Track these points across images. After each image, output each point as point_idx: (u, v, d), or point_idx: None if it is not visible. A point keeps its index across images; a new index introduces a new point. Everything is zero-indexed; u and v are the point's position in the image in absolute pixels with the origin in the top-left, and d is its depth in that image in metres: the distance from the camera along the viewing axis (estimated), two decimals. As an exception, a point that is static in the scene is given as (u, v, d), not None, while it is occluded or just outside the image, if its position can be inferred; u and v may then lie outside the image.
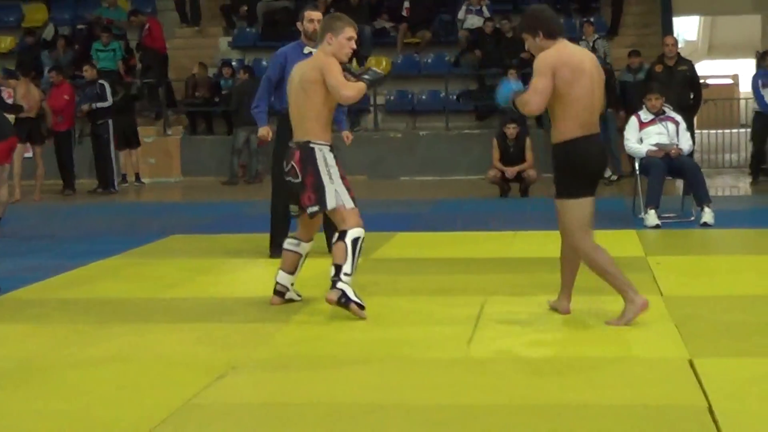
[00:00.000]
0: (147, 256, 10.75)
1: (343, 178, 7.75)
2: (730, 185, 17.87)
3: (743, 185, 17.64)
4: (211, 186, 19.70)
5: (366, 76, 7.87)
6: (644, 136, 12.48)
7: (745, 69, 29.57)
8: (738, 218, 12.93)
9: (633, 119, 12.67)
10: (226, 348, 6.80)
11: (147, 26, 22.36)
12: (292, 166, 7.74)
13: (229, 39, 24.22)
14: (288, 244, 8.14)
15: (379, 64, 22.59)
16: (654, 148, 12.31)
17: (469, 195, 17.04)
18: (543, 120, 17.04)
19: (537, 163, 16.40)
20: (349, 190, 7.78)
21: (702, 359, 6.12)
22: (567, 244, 7.32)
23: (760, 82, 17.05)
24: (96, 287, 9.09)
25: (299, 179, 7.72)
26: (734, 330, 6.91)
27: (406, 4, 23.10)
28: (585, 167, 7.08)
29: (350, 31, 7.79)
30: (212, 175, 20.44)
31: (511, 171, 16.04)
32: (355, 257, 7.63)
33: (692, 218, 12.13)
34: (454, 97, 21.95)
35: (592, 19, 21.79)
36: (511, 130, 16.09)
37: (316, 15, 10.08)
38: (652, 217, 11.87)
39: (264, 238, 10.47)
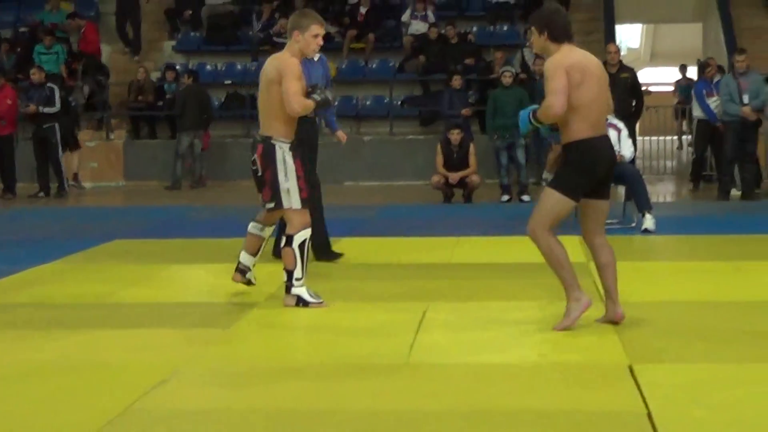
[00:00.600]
0: (90, 261, 10.68)
1: (299, 177, 7.91)
2: (672, 192, 18.02)
3: (684, 192, 17.80)
4: (154, 190, 19.60)
5: (315, 96, 8.02)
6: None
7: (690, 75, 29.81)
8: (679, 225, 13.05)
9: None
10: (168, 353, 6.77)
11: (83, 30, 22.26)
12: (255, 159, 8.01)
13: (173, 43, 24.13)
14: (252, 227, 8.39)
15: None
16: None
17: (413, 200, 17.06)
18: (487, 127, 17.08)
19: (480, 169, 16.46)
20: (302, 190, 7.94)
21: (642, 365, 6.17)
22: (595, 256, 7.38)
23: (704, 91, 17.16)
24: (38, 292, 9.01)
25: (260, 173, 8.00)
26: (674, 336, 6.97)
27: (362, 10, 23.06)
28: (595, 167, 7.10)
29: (317, 29, 7.99)
30: (156, 180, 20.33)
31: (454, 177, 16.08)
32: (304, 260, 7.88)
33: (633, 224, 12.22)
34: (399, 102, 21.98)
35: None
36: (455, 135, 16.13)
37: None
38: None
39: (204, 243, 10.44)
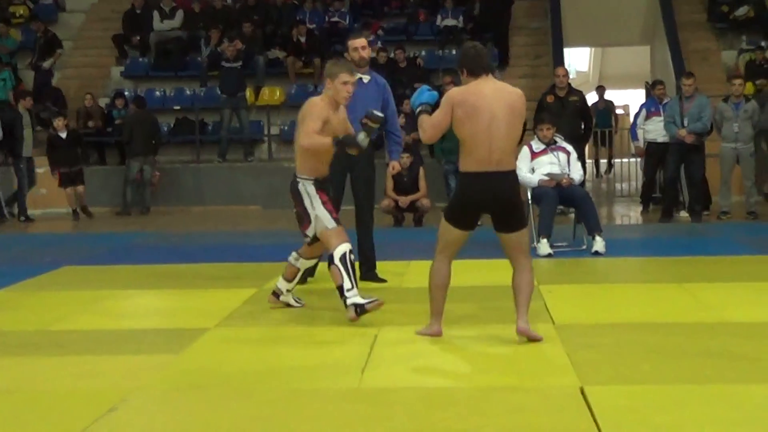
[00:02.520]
0: (38, 288, 10.57)
1: (325, 202, 8.45)
2: (621, 214, 18.11)
3: (634, 214, 17.89)
4: (104, 217, 19.47)
5: (340, 138, 8.35)
6: (536, 165, 12.61)
7: (635, 99, 30.02)
8: (628, 247, 13.11)
9: (525, 149, 12.78)
10: (117, 380, 6.72)
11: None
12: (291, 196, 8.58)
13: (122, 69, 24.05)
14: (291, 256, 8.91)
15: (273, 94, 22.59)
16: (546, 178, 12.44)
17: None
18: (435, 151, 17.11)
19: (430, 193, 16.47)
20: (331, 212, 8.44)
21: (592, 387, 6.19)
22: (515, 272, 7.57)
23: (651, 109, 17.27)
24: (-16, 320, 8.92)
25: (295, 210, 8.58)
26: (625, 357, 6.99)
27: (302, 39, 23.08)
28: (469, 201, 7.46)
29: (345, 77, 8.41)
30: (105, 206, 20.20)
31: (404, 200, 16.10)
32: (349, 271, 8.27)
33: (584, 247, 12.26)
34: (348, 126, 21.95)
35: (484, 50, 22.01)
36: (405, 159, 16.10)
37: (360, 42, 10.36)
38: (544, 246, 11.98)
39: (154, 269, 10.38)
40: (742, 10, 23.47)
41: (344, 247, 8.29)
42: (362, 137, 8.29)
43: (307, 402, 6.09)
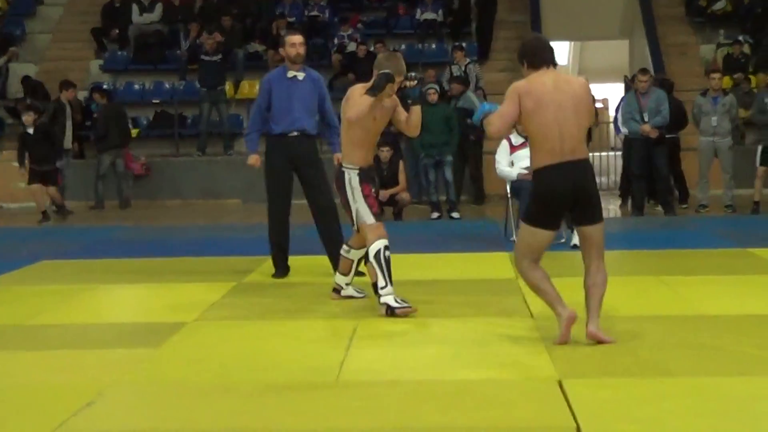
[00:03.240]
0: (15, 283, 10.54)
1: (367, 196, 8.50)
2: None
3: (613, 208, 17.91)
4: (82, 211, 19.41)
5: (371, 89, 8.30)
6: (515, 159, 12.60)
7: (614, 93, 30.07)
8: (607, 240, 13.02)
9: (504, 142, 12.78)
10: (95, 374, 6.69)
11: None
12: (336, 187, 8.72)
13: (101, 62, 23.98)
14: (342, 251, 9.08)
15: (252, 87, 22.55)
16: (525, 171, 12.40)
17: (343, 219, 17.01)
18: (414, 144, 17.07)
19: (411, 187, 16.47)
20: (371, 207, 8.51)
21: (571, 380, 6.20)
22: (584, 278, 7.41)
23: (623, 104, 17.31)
24: (-40, 314, 8.88)
25: (340, 200, 8.71)
26: (602, 350, 7.00)
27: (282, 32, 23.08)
28: (548, 195, 7.15)
29: (397, 77, 8.35)
30: (83, 200, 20.13)
31: (384, 194, 16.06)
32: (384, 269, 8.30)
33: (563, 240, 12.25)
34: (328, 120, 21.93)
35: (463, 44, 22.06)
36: (385, 153, 16.12)
37: (297, 39, 10.20)
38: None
39: (132, 263, 10.35)
40: (719, 5, 23.55)
41: (379, 244, 8.32)
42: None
43: (286, 396, 6.08)
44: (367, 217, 8.47)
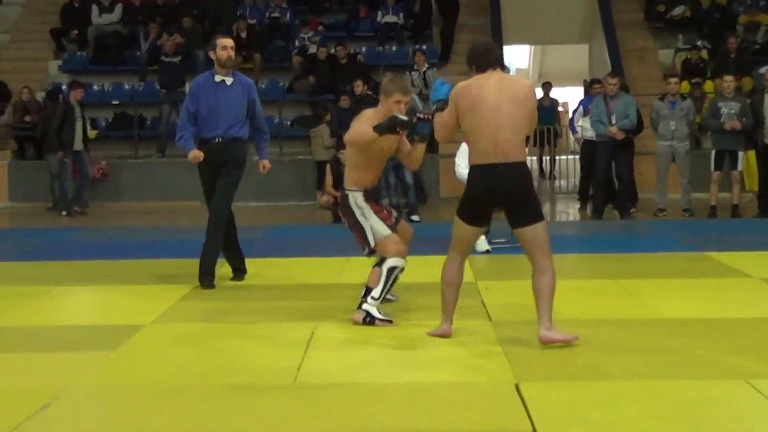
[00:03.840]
0: (-29, 284, 10.47)
1: (377, 211, 8.39)
2: (560, 211, 18.20)
3: (573, 211, 17.99)
4: (39, 212, 19.31)
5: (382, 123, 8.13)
6: (474, 162, 12.62)
7: (574, 96, 30.17)
8: (566, 243, 13.16)
9: (463, 145, 12.78)
10: (51, 377, 6.66)
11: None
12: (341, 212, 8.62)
13: (60, 63, 23.86)
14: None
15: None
16: (484, 175, 12.44)
17: (303, 221, 17.03)
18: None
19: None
20: (385, 220, 8.37)
21: (528, 383, 6.22)
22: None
23: (586, 107, 17.41)
24: None
25: (348, 226, 8.52)
26: (559, 354, 7.03)
27: (242, 34, 23.06)
28: (474, 195, 7.32)
29: (398, 96, 8.25)
30: (41, 201, 20.02)
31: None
32: (387, 285, 8.15)
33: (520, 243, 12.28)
34: (288, 122, 21.94)
35: (424, 47, 22.11)
36: (344, 155, 16.10)
37: (229, 42, 10.14)
38: (482, 243, 12.01)
39: (89, 265, 10.29)
40: (678, 10, 23.69)
41: (398, 262, 8.17)
42: (404, 114, 8.19)
43: (242, 398, 6.07)
44: (383, 229, 8.30)
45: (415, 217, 16.29)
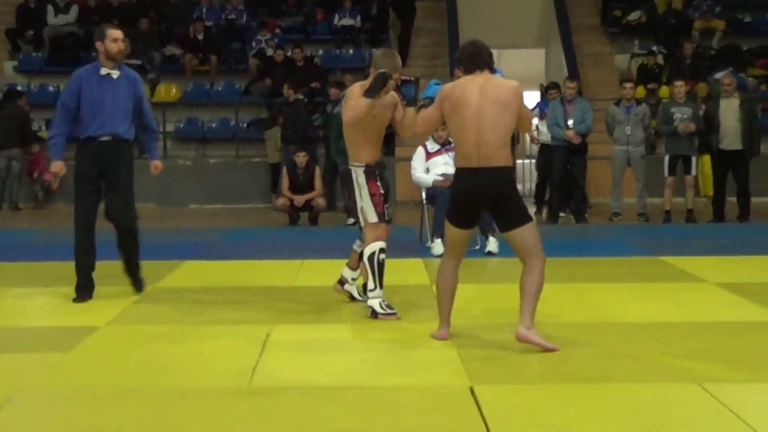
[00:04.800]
0: None
1: (373, 195, 8.44)
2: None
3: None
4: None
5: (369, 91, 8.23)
6: (431, 165, 12.66)
7: (531, 101, 30.25)
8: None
9: (420, 149, 12.84)
10: (3, 379, 6.61)
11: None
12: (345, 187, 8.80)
13: (15, 63, 23.70)
14: (354, 245, 9.01)
15: (169, 91, 22.44)
16: (440, 178, 12.48)
17: (259, 223, 17.00)
18: (331, 150, 17.07)
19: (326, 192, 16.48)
20: (377, 206, 8.43)
21: (482, 386, 6.23)
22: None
23: (542, 111, 17.50)
24: None
25: (349, 197, 8.78)
26: (515, 357, 7.05)
27: (199, 36, 23.01)
28: (457, 197, 7.37)
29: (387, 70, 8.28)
30: (-4, 203, 19.90)
31: (299, 199, 16.07)
32: (375, 271, 8.31)
33: (477, 247, 12.32)
34: (245, 125, 21.89)
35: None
36: (301, 158, 16.13)
37: (120, 34, 9.27)
38: (438, 246, 12.00)
39: (43, 266, 10.22)
40: (634, 15, 23.83)
41: (375, 246, 8.30)
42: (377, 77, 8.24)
43: (197, 401, 6.05)
44: (371, 215, 8.42)
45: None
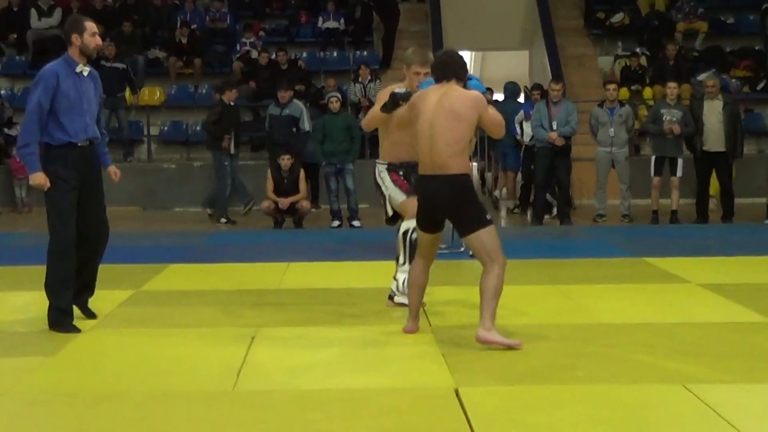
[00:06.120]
0: None
1: (395, 180, 8.79)
2: (501, 217, 18.27)
3: (510, 216, 18.07)
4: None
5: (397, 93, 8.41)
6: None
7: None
8: (506, 249, 13.14)
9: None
10: (-16, 383, 6.61)
11: None
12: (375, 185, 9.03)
13: (-2, 67, 23.68)
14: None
15: (153, 94, 22.41)
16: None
17: (244, 226, 16.98)
18: (317, 152, 17.06)
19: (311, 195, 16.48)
20: (401, 186, 8.77)
21: (467, 388, 6.24)
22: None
23: (527, 113, 17.53)
24: None
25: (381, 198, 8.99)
26: (498, 359, 7.06)
27: (183, 39, 22.99)
28: (418, 203, 7.65)
29: (416, 67, 8.69)
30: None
31: (284, 202, 16.07)
32: (407, 247, 8.65)
33: (462, 249, 12.32)
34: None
35: (365, 53, 22.14)
36: (286, 161, 16.12)
37: (96, 27, 8.55)
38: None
39: (27, 270, 10.21)
40: (617, 17, 23.91)
41: (411, 224, 8.44)
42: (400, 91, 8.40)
43: (181, 404, 6.05)
44: (399, 195, 8.73)
45: (356, 223, 16.30)
